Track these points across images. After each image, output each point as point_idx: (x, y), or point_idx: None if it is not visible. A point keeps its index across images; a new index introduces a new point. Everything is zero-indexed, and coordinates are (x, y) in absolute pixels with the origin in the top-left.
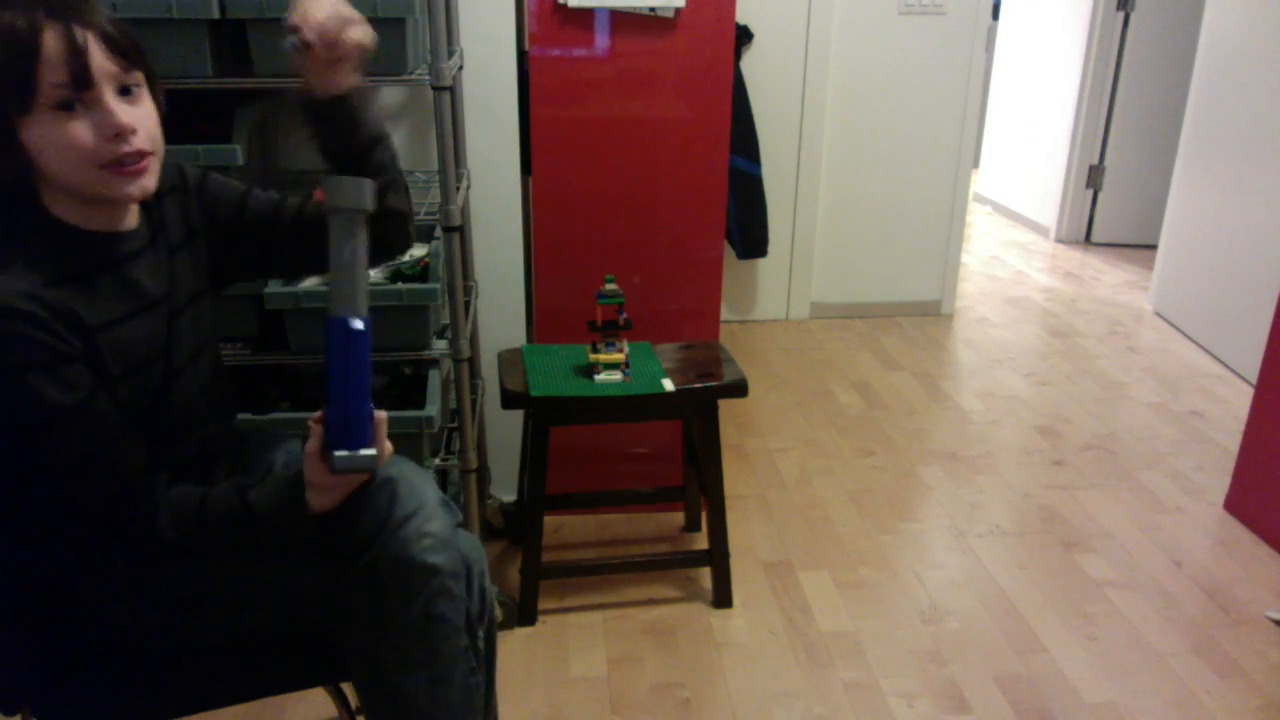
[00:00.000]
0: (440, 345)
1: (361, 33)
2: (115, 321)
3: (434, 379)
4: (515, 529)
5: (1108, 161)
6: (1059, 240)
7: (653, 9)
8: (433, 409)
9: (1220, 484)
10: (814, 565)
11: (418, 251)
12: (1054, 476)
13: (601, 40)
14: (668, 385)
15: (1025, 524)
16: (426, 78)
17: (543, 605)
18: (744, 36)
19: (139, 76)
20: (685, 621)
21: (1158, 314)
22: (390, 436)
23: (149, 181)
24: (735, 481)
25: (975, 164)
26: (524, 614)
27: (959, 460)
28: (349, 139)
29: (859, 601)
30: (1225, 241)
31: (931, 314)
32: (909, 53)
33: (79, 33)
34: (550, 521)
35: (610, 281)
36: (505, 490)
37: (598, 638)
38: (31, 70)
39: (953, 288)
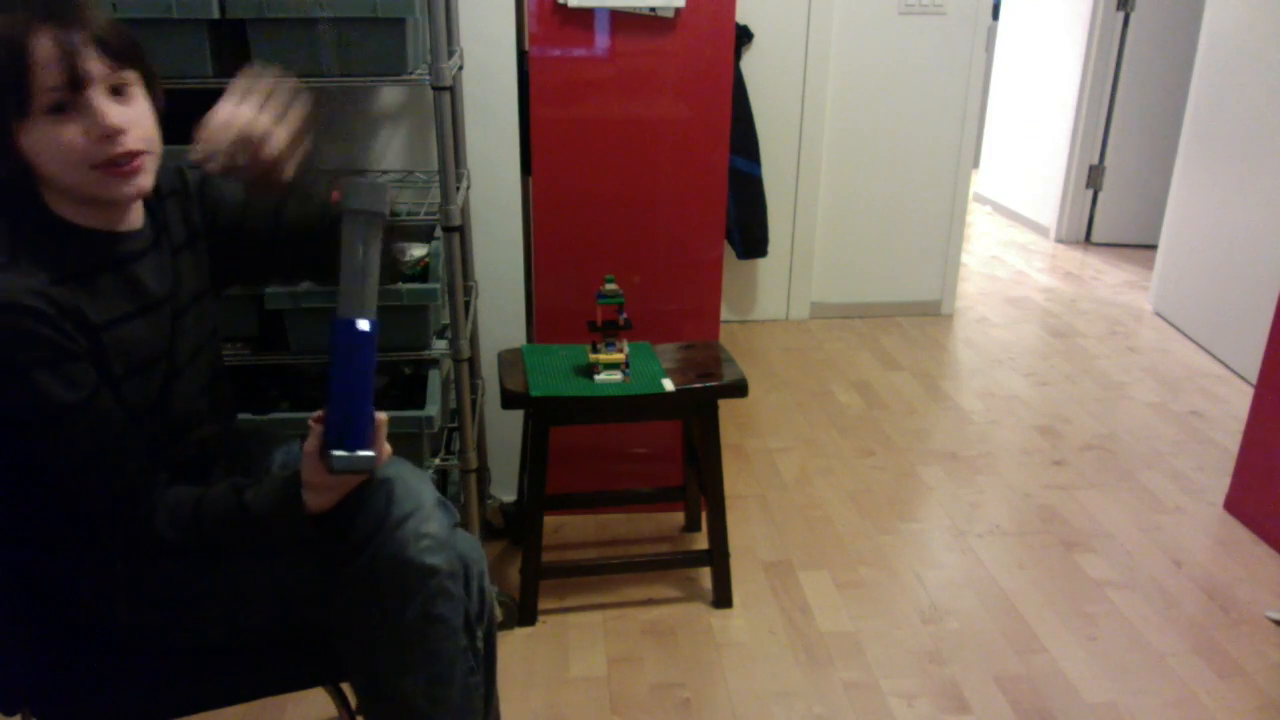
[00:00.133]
0: (440, 345)
1: (279, 138)
2: (119, 320)
3: (434, 379)
4: (515, 529)
5: (1108, 161)
6: (1059, 240)
7: (653, 9)
8: (433, 409)
9: (1220, 484)
10: (814, 565)
11: (418, 251)
12: (1054, 476)
13: (601, 40)
14: (668, 385)
15: (1025, 524)
16: (426, 78)
17: (543, 605)
18: (744, 36)
19: (132, 76)
20: (685, 621)
21: (1158, 314)
22: (390, 436)
23: (144, 181)
24: (735, 481)
25: (975, 164)
26: (524, 614)
27: (959, 460)
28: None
29: (859, 601)
30: (1225, 241)
31: (931, 314)
32: (909, 53)
33: (68, 36)
34: (550, 521)
35: (610, 281)
36: (505, 490)
37: (598, 638)
38: (25, 76)
39: (953, 288)
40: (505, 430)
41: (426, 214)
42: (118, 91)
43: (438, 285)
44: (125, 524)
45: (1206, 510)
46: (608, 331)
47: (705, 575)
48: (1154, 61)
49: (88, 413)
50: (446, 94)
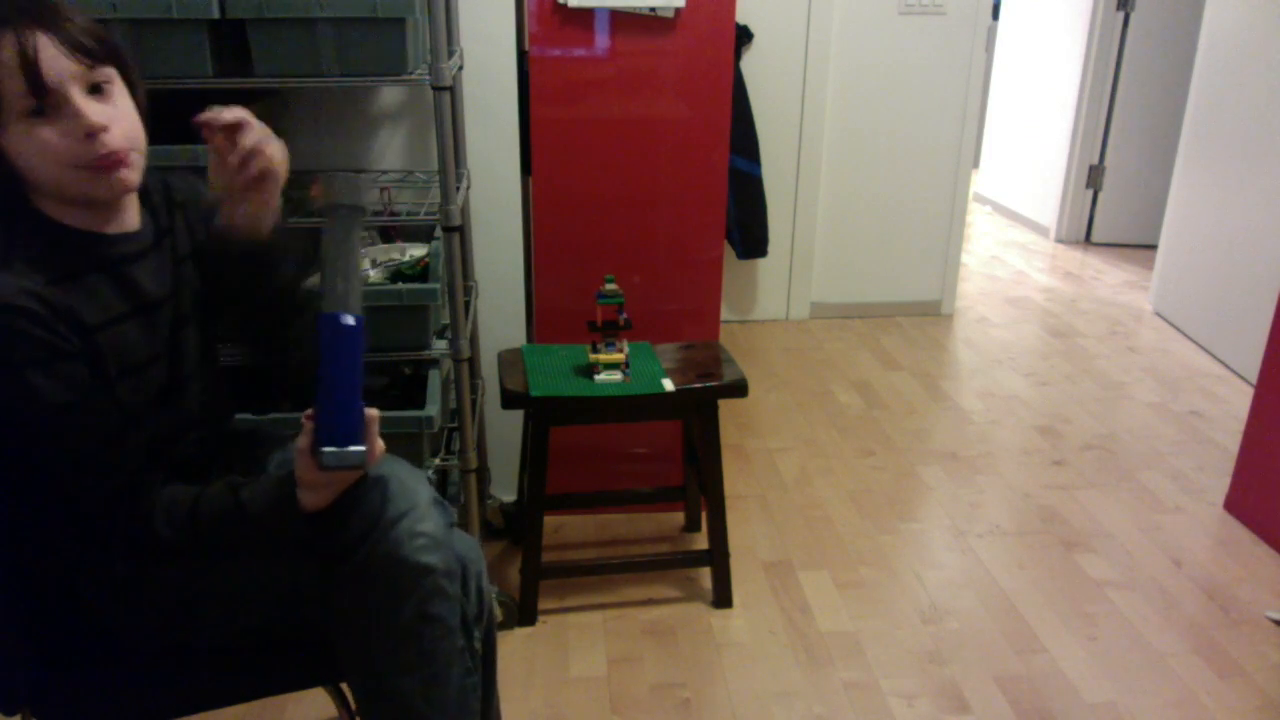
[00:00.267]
0: (440, 345)
1: (274, 149)
2: (113, 321)
3: (434, 379)
4: (515, 529)
5: (1108, 161)
6: (1059, 240)
7: (653, 9)
8: (433, 409)
9: (1220, 484)
10: (814, 565)
11: (418, 251)
12: (1054, 476)
13: (601, 40)
14: (668, 385)
15: (1025, 524)
16: (426, 78)
17: (543, 605)
18: (744, 36)
19: (110, 73)
20: (685, 621)
21: (1158, 314)
22: (390, 436)
23: (129, 177)
24: (735, 481)
25: (975, 164)
26: (524, 614)
27: (959, 460)
28: (262, 293)
29: (859, 601)
30: (1225, 241)
31: (931, 314)
32: (909, 53)
33: (32, 38)
34: (550, 521)
35: (610, 281)
36: (505, 490)
37: (598, 638)
38: None
39: (953, 288)
40: (505, 430)
41: (426, 214)
42: (97, 90)
43: (438, 285)
44: (122, 523)
45: (1206, 510)
46: (608, 331)
47: (705, 575)
48: (1154, 61)
49: (82, 413)
50: (446, 94)
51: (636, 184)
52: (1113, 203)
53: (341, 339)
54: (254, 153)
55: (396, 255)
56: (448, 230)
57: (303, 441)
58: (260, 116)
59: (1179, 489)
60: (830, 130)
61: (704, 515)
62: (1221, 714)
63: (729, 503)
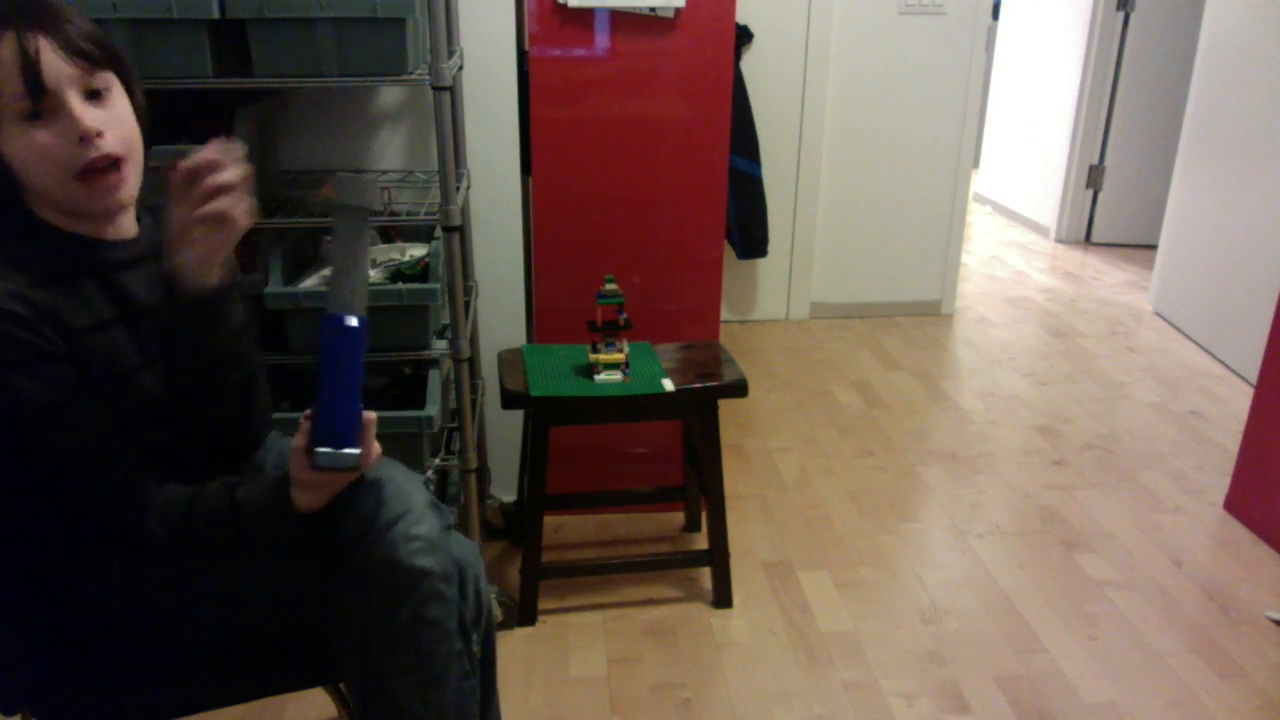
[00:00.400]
0: (440, 345)
1: (241, 201)
2: (101, 326)
3: (434, 379)
4: (515, 529)
5: (1108, 161)
6: (1059, 240)
7: (653, 9)
8: (433, 409)
9: (1220, 484)
10: (814, 565)
11: (418, 251)
12: (1054, 476)
13: (601, 40)
14: (668, 385)
15: (1025, 524)
16: (426, 78)
17: (543, 605)
18: (744, 36)
19: (108, 79)
20: (685, 621)
21: (1158, 314)
22: (390, 436)
23: (126, 192)
24: (735, 481)
25: (975, 164)
26: (524, 614)
27: (959, 460)
28: (206, 345)
29: (859, 601)
30: (1225, 241)
31: (931, 314)
32: (909, 53)
33: (30, 41)
34: (550, 521)
35: (610, 281)
36: (505, 490)
37: (598, 638)
38: None
39: (953, 288)
40: (505, 430)
41: (426, 214)
42: (95, 95)
43: (438, 285)
44: (117, 523)
45: (1206, 510)
46: (608, 331)
47: (705, 575)
48: (1154, 61)
49: (67, 413)
50: (446, 94)
51: (636, 184)
52: (1113, 203)
53: (342, 340)
54: (219, 191)
55: (396, 255)
56: (448, 230)
57: (298, 440)
58: (261, 116)
59: (1179, 489)
60: (830, 130)
61: (704, 515)
62: (1221, 714)
63: (729, 503)
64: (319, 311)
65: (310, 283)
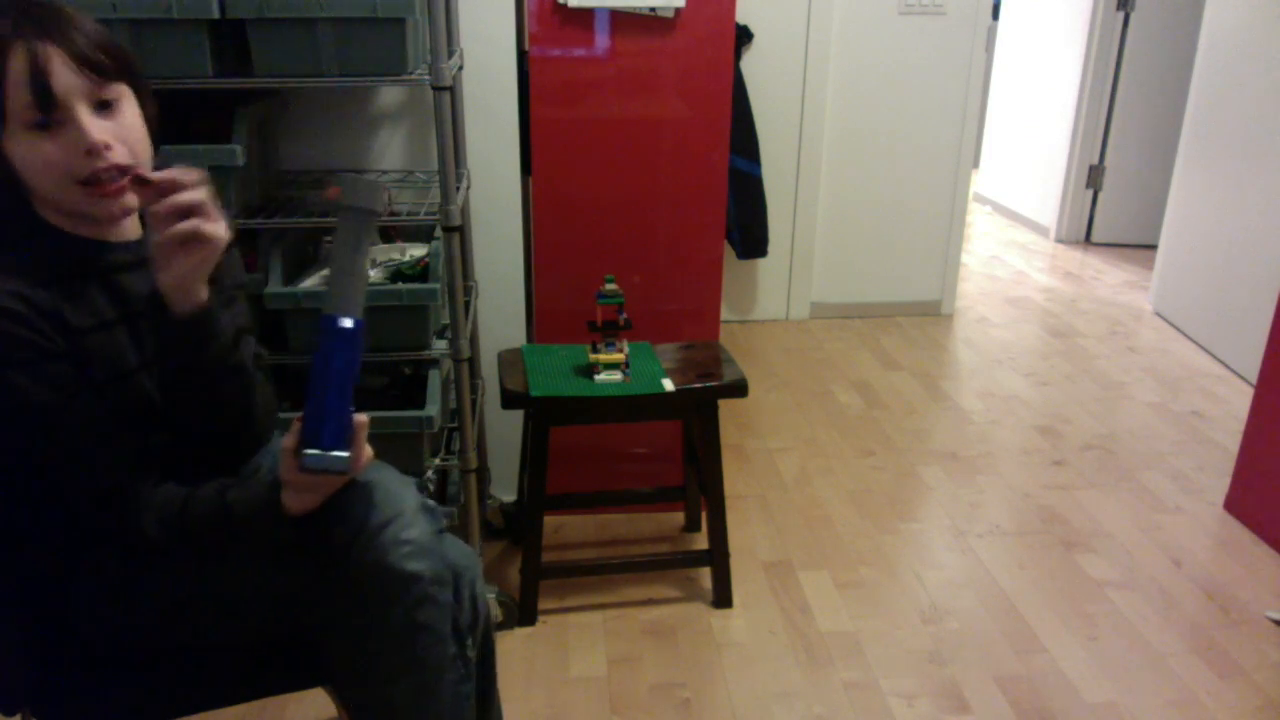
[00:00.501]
0: (440, 345)
1: (211, 220)
2: (101, 326)
3: (434, 379)
4: (515, 529)
5: (1108, 161)
6: (1059, 240)
7: (653, 9)
8: (433, 409)
9: (1220, 484)
10: (814, 565)
11: (418, 251)
12: (1054, 476)
13: (601, 40)
14: (668, 385)
15: (1025, 524)
16: (426, 78)
17: (543, 605)
18: (744, 36)
19: (120, 90)
20: (685, 621)
21: (1158, 314)
22: (390, 436)
23: (131, 200)
24: (735, 481)
25: (975, 164)
26: (524, 614)
27: (959, 460)
28: (197, 362)
29: (859, 601)
30: (1225, 241)
31: (931, 314)
32: (909, 53)
33: (43, 52)
34: (550, 521)
35: (610, 281)
36: (505, 490)
37: (598, 638)
38: (1, 92)
39: (953, 288)
40: (505, 430)
41: (426, 214)
42: (105, 106)
43: (438, 285)
44: (111, 523)
45: (1206, 510)
46: (608, 331)
47: (705, 575)
48: (1154, 61)
49: (66, 413)
50: (446, 94)
51: (636, 184)
52: (1113, 203)
53: (337, 341)
54: (187, 211)
55: (396, 255)
56: (448, 230)
57: (288, 441)
58: (261, 116)
59: (1179, 489)
60: (830, 130)
61: (704, 515)
62: (1221, 714)
63: (729, 503)
64: (319, 312)
65: (310, 283)
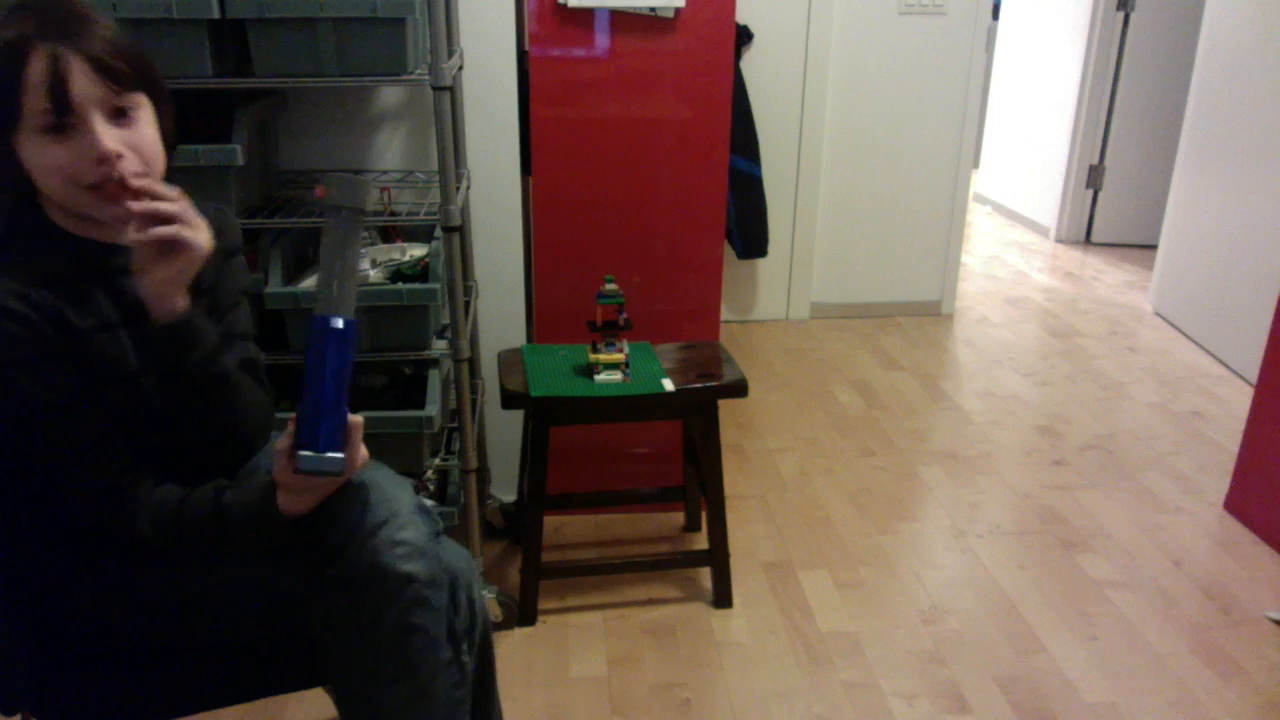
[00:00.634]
0: (440, 345)
1: (192, 227)
2: (103, 328)
3: (434, 379)
4: (515, 529)
5: (1108, 161)
6: (1059, 240)
7: (653, 9)
8: (433, 409)
9: (1220, 484)
10: (814, 565)
11: (418, 251)
12: (1054, 476)
13: (601, 40)
14: (668, 385)
15: (1025, 524)
16: (426, 78)
17: (543, 605)
18: (744, 36)
19: (137, 99)
20: (685, 621)
21: (1158, 314)
22: (390, 436)
23: (136, 208)
24: (735, 481)
25: (975, 164)
26: (524, 614)
27: (959, 460)
28: (180, 368)
29: (859, 601)
30: (1225, 241)
31: (931, 314)
32: (909, 53)
33: (64, 58)
34: (550, 521)
35: (610, 281)
36: (505, 490)
37: (598, 638)
38: (15, 95)
39: (953, 288)
40: (505, 430)
41: (426, 214)
42: (121, 114)
43: (438, 285)
44: (108, 523)
45: (1206, 510)
46: (608, 331)
47: (705, 575)
48: (1154, 61)
49: (66, 413)
50: (446, 94)
51: (636, 184)
52: (1113, 203)
53: (329, 342)
54: (165, 219)
55: (396, 255)
56: (448, 230)
57: (282, 442)
58: (261, 116)
59: (1179, 489)
60: (830, 130)
61: (704, 515)
62: (1221, 714)
63: (729, 503)
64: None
65: (310, 283)
